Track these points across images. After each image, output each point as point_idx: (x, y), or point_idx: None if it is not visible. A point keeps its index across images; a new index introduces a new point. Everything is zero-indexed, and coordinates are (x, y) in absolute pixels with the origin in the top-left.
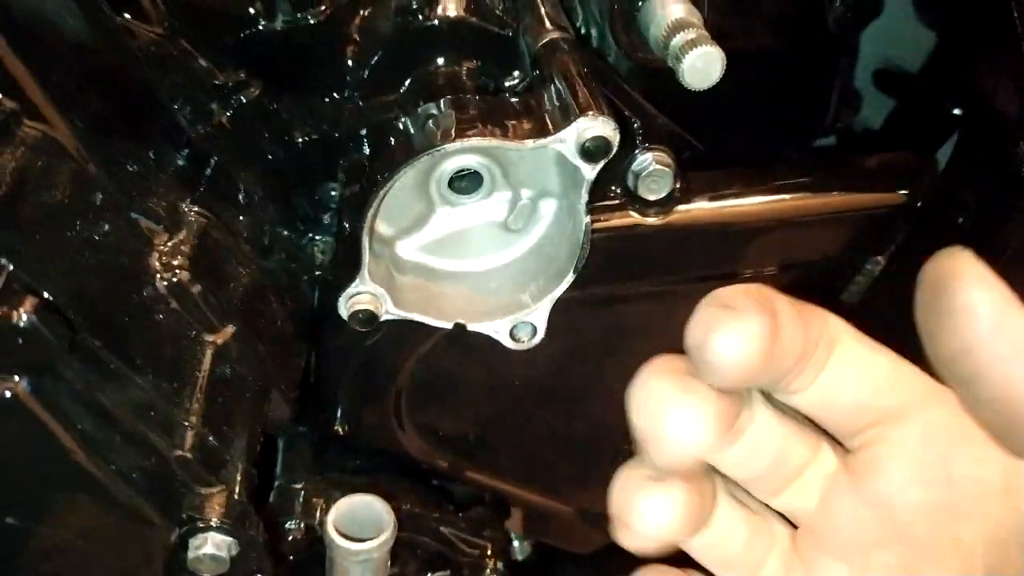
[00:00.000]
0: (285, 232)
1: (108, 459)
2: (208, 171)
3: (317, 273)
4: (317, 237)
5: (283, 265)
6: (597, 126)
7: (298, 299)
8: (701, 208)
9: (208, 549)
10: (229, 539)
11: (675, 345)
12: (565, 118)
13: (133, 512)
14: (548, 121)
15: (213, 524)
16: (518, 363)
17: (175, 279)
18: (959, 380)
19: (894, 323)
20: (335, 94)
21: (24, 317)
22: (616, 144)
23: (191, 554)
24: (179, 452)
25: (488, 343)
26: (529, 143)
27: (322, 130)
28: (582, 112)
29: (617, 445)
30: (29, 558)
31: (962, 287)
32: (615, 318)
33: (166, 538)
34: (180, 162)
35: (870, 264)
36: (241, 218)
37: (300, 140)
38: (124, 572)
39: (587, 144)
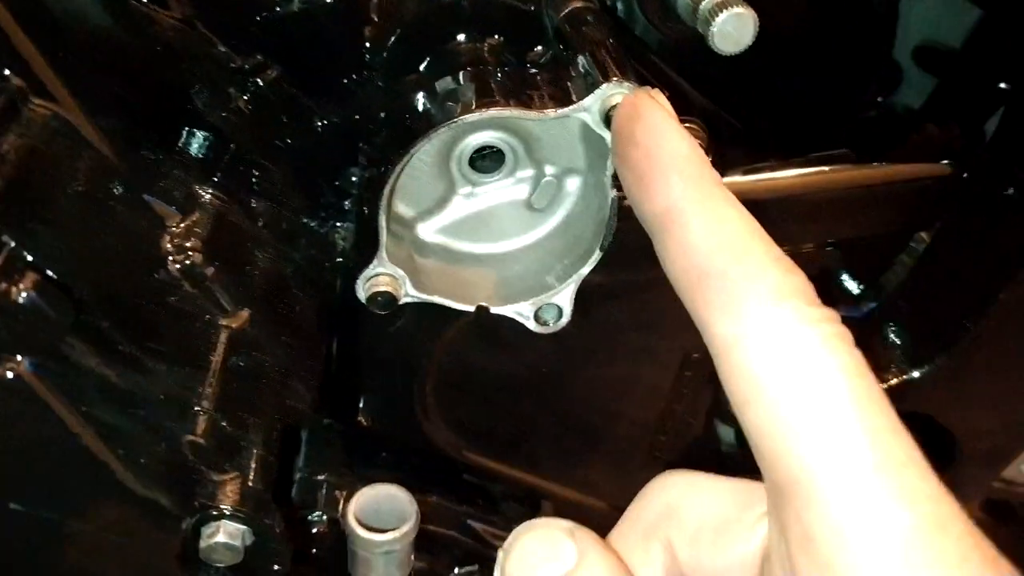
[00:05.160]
0: (307, 220)
1: (116, 443)
2: (227, 156)
3: (339, 261)
4: (339, 224)
5: (305, 253)
6: (622, 92)
7: (321, 287)
8: (735, 182)
9: (221, 538)
10: (243, 528)
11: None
12: (589, 86)
13: (143, 498)
14: (571, 91)
15: (226, 512)
16: (547, 352)
17: (188, 261)
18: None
19: (941, 306)
20: (354, 76)
21: (24, 295)
22: None
23: (204, 543)
24: (191, 437)
25: (517, 330)
26: (551, 112)
27: (342, 113)
28: (606, 79)
29: (652, 440)
30: (35, 545)
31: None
32: (646, 304)
33: (179, 526)
34: (197, 147)
35: (914, 242)
36: (260, 203)
37: (320, 124)
38: (138, 561)
39: (612, 112)
